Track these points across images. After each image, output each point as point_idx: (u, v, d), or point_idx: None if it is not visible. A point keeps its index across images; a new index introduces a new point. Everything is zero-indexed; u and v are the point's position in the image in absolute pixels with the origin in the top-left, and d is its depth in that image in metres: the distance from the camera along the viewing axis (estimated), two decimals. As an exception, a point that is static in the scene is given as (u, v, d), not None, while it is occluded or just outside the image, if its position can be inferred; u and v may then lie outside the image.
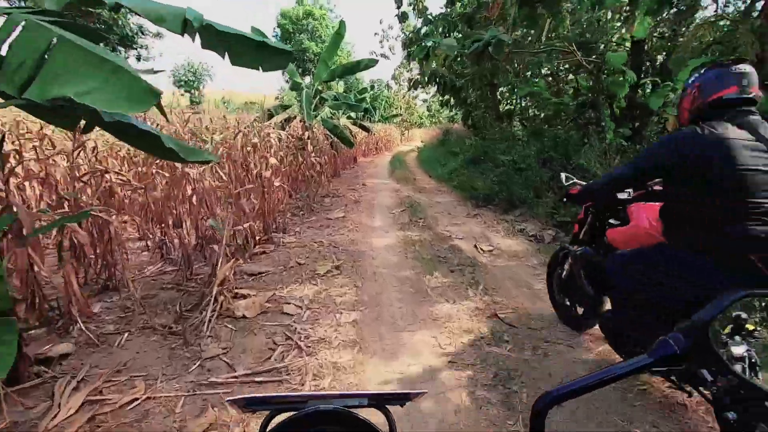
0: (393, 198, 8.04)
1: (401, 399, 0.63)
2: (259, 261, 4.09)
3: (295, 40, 23.76)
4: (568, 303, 2.68)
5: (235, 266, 3.56)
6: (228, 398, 0.62)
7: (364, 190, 8.99)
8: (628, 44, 6.96)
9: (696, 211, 1.59)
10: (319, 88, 11.60)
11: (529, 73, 8.67)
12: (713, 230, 1.53)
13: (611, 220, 2.31)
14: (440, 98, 19.72)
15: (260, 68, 2.29)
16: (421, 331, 2.67)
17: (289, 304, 3.06)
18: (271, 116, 9.90)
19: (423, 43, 7.17)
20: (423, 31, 12.01)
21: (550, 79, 8.20)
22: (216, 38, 2.14)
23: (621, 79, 6.45)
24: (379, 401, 0.61)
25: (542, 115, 8.06)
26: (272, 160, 4.89)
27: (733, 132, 1.50)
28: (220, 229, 3.01)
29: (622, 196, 2.15)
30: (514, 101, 12.48)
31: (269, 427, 0.58)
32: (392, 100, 33.95)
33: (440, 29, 11.00)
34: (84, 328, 2.55)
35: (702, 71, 1.69)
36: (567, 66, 7.78)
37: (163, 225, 3.89)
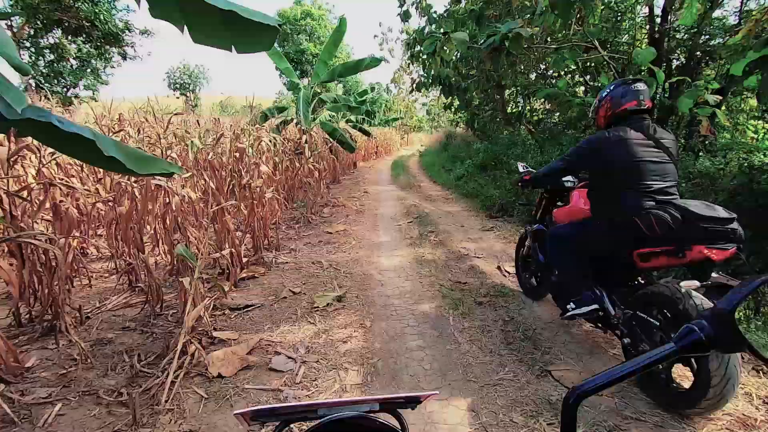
0: (398, 207, 7.39)
1: (412, 402, 0.62)
2: (246, 289, 3.43)
3: (293, 41, 23.14)
4: (527, 276, 3.17)
5: (215, 300, 2.90)
6: (235, 411, 0.59)
7: (367, 198, 8.34)
8: (643, 45, 6.41)
9: (608, 192, 2.15)
10: (318, 90, 11.00)
11: (550, 71, 8.03)
12: (619, 204, 2.05)
13: (559, 203, 2.88)
14: (443, 101, 19.20)
15: (233, 48, 1.64)
16: (455, 401, 2.00)
17: (279, 354, 2.39)
18: (266, 119, 9.26)
19: (431, 36, 6.54)
20: (427, 30, 11.45)
21: (569, 78, 7.57)
22: (171, 4, 1.49)
23: (649, 78, 5.85)
24: (391, 406, 0.60)
25: (561, 117, 7.43)
26: (264, 168, 4.24)
27: (631, 134, 2.02)
28: (191, 258, 2.35)
29: (568, 184, 2.79)
30: (523, 103, 11.88)
31: None
32: (391, 103, 33.42)
33: (444, 28, 10.39)
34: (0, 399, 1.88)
35: (611, 88, 2.19)
36: (588, 64, 7.17)
37: (131, 245, 3.23)
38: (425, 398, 0.63)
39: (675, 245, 1.88)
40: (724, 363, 1.60)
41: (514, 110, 11.94)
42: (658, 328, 1.85)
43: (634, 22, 7.19)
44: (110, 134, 4.30)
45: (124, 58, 13.65)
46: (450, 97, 13.15)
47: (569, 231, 2.38)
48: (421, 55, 11.80)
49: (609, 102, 2.17)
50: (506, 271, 3.85)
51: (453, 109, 14.63)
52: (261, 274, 3.74)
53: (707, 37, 6.31)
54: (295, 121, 9.16)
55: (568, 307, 2.29)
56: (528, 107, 12.10)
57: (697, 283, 1.73)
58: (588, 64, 7.14)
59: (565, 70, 8.10)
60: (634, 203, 1.99)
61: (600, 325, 2.28)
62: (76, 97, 13.98)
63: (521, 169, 3.06)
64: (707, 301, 1.70)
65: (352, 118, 16.20)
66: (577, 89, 7.75)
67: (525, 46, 5.94)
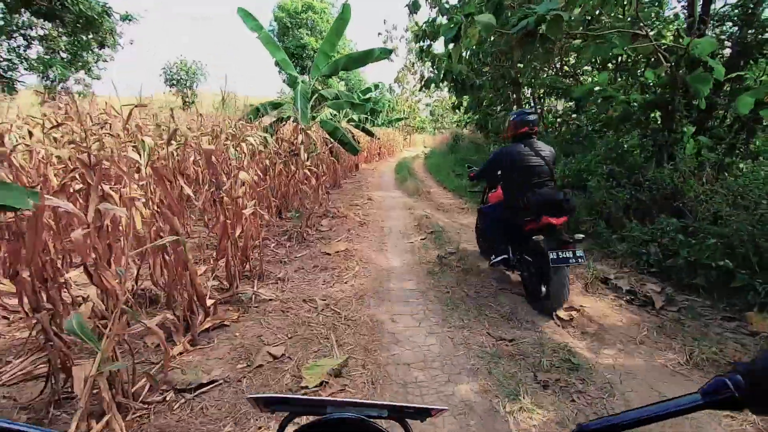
0: (407, 218, 6.43)
1: (422, 414, 0.60)
2: (210, 346, 2.46)
3: (293, 36, 22.05)
4: (482, 243, 4.26)
5: (156, 374, 1.93)
6: (249, 395, 0.61)
7: (371, 207, 7.38)
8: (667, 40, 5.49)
9: (508, 185, 3.29)
10: (319, 87, 10.05)
11: (573, 67, 7.06)
12: (515, 195, 3.14)
13: (492, 190, 3.95)
14: (452, 101, 18.21)
15: None
16: None
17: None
18: (258, 115, 8.31)
19: (452, 20, 5.56)
20: (438, 21, 10.50)
21: (611, 71, 6.60)
22: None
23: (705, 73, 4.90)
24: (400, 414, 0.59)
25: (596, 117, 6.46)
26: (243, 175, 3.28)
27: (521, 148, 3.10)
28: (89, 338, 1.39)
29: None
30: (541, 103, 10.91)
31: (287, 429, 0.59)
32: (395, 103, 32.48)
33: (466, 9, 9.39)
34: None
35: (514, 116, 3.28)
36: (625, 58, 6.21)
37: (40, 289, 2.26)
38: (436, 413, 0.60)
39: (536, 216, 2.91)
40: (559, 279, 2.79)
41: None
42: (531, 264, 3.05)
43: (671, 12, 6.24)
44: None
45: (102, 46, 12.59)
46: (460, 97, 12.19)
47: (492, 209, 3.58)
48: (432, 49, 10.82)
49: (513, 126, 3.23)
50: (559, 318, 2.89)
51: (463, 109, 13.66)
52: (234, 320, 2.77)
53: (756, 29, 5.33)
54: (292, 118, 8.20)
55: (491, 258, 3.47)
56: (548, 107, 11.15)
57: (542, 237, 2.84)
58: (626, 58, 6.18)
59: (594, 65, 7.13)
60: (521, 192, 3.06)
61: (509, 268, 3.46)
62: (67, 90, 13.05)
63: (467, 168, 4.57)
64: (548, 245, 2.81)
65: (355, 117, 15.25)
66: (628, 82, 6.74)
67: (565, 32, 5.00)
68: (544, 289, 2.89)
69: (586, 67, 8.24)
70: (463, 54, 7.23)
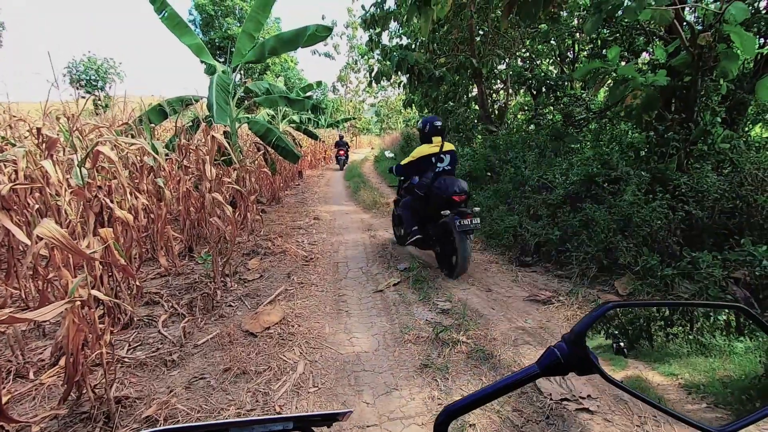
0: (368, 245, 4.85)
1: (328, 420, 0.60)
2: None
3: (218, 26, 19.36)
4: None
5: None
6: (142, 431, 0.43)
7: (318, 229, 5.70)
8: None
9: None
10: (245, 80, 8.15)
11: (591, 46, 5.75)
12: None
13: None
14: (403, 97, 16.79)
15: None
16: None
17: None
18: (164, 116, 6.33)
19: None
20: (387, 4, 9.01)
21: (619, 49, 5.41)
22: None
23: (726, 50, 3.85)
24: (305, 424, 0.58)
25: (608, 103, 5.25)
26: (42, 229, 1.53)
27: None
28: None
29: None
30: (506, 96, 9.79)
31: None
32: (338, 104, 30.70)
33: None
34: None
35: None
36: (630, 34, 5.06)
37: None
38: (342, 417, 0.60)
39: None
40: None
41: (496, 104, 9.81)
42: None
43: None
44: None
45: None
46: (416, 90, 10.73)
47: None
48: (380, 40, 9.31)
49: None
50: None
51: (416, 107, 12.27)
52: None
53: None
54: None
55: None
56: (514, 101, 10.06)
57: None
58: (631, 34, 5.02)
59: (595, 44, 5.94)
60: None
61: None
62: None
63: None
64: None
65: (296, 118, 13.37)
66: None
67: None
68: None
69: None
70: (447, 14, 5.74)
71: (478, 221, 3.48)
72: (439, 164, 3.85)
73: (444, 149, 3.84)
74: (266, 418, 0.55)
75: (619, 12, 4.17)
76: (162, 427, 0.53)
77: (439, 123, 3.94)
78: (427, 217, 3.89)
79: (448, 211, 3.52)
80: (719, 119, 4.42)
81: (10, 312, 1.41)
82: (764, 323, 0.56)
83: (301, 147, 11.62)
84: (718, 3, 4.66)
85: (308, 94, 12.18)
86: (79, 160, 2.58)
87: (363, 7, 10.28)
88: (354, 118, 26.33)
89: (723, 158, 4.00)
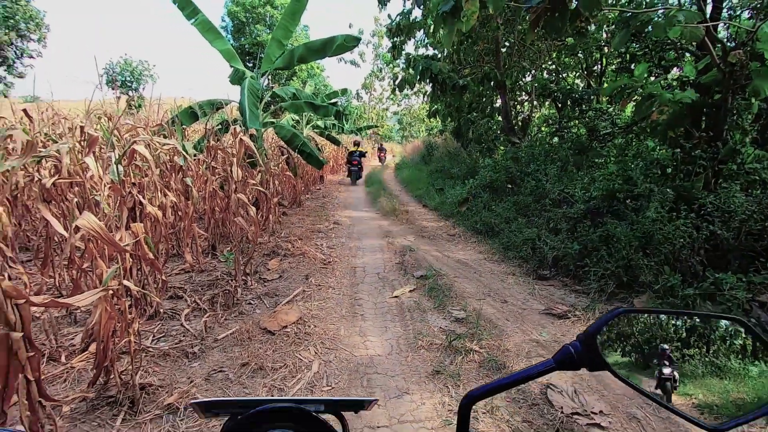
0: (386, 253, 4.90)
1: (356, 406, 0.63)
2: None
3: (249, 33, 19.99)
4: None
5: None
6: (191, 401, 0.59)
7: (337, 233, 5.80)
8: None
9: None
10: (272, 85, 8.38)
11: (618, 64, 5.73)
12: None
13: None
14: (426, 107, 16.88)
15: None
16: None
17: None
18: (195, 118, 6.57)
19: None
20: (413, 14, 9.14)
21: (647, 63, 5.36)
22: None
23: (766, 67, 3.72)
24: (335, 407, 0.61)
25: (634, 119, 5.20)
26: (84, 221, 1.65)
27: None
28: None
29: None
30: (530, 107, 9.75)
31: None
32: (362, 111, 31.02)
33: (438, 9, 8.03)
34: None
35: (380, 145, 20.34)
36: (661, 49, 5.00)
37: None
38: (369, 404, 0.63)
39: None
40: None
41: (520, 116, 9.77)
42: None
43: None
44: None
45: (22, 38, 10.39)
46: (439, 100, 10.77)
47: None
48: (436, 9, 9.42)
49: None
50: None
51: (440, 117, 12.29)
52: None
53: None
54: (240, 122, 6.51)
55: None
56: (539, 113, 10.01)
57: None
58: (660, 49, 4.96)
59: (624, 58, 5.88)
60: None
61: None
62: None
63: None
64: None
65: (320, 123, 13.61)
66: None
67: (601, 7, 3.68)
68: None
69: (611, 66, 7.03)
70: (453, 40, 5.84)
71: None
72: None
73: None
74: (299, 399, 0.60)
75: (648, 28, 4.14)
76: (210, 399, 0.56)
77: (359, 139, 9.24)
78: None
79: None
80: (749, 139, 4.32)
81: (49, 298, 1.52)
82: (762, 337, 0.59)
83: (322, 152, 11.81)
84: (752, 20, 4.58)
85: (333, 100, 12.41)
86: (116, 157, 2.74)
87: (389, 16, 10.42)
88: (377, 126, 26.50)
89: (753, 179, 3.90)
